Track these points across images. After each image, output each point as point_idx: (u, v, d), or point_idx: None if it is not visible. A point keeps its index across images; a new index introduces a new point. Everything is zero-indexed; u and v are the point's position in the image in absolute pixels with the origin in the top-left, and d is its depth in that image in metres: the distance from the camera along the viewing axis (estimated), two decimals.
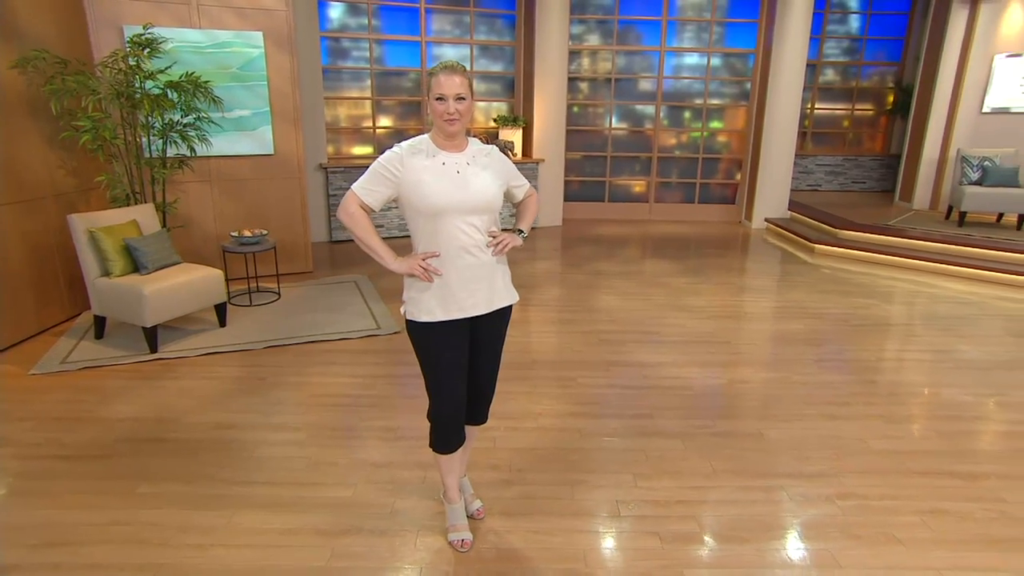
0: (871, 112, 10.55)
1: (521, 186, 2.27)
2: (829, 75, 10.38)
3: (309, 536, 2.34)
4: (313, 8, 7.00)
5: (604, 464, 2.85)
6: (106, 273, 4.09)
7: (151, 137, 4.65)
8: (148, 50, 4.48)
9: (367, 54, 7.74)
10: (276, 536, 2.33)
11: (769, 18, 8.16)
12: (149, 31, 4.49)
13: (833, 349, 4.30)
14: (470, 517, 2.41)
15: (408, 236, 2.13)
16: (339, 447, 2.96)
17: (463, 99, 1.98)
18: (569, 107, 8.59)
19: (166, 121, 4.65)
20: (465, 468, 2.46)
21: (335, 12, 7.53)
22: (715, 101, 8.89)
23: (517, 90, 8.47)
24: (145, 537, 2.31)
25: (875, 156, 10.61)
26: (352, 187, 2.06)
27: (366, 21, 7.62)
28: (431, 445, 2.25)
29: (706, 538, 2.36)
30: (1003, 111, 7.94)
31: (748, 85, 8.74)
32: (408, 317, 2.11)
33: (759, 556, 2.27)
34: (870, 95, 10.47)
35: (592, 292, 5.54)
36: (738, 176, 9.04)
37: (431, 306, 2.05)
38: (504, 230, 2.12)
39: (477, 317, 2.11)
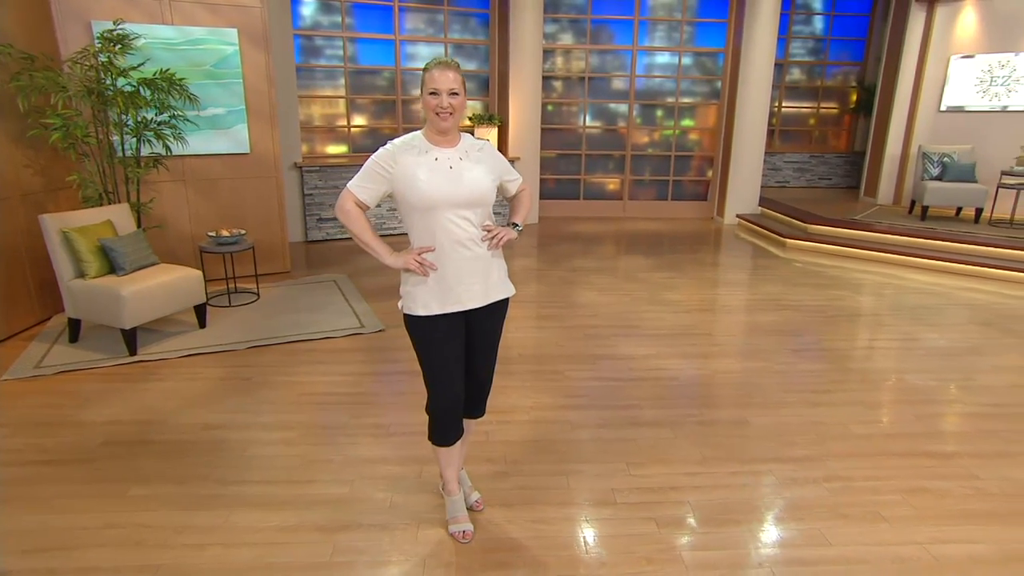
0: (835, 111, 10.85)
1: (514, 180, 2.31)
2: (795, 74, 10.63)
3: (309, 532, 2.33)
4: (286, 5, 6.92)
5: (596, 454, 2.89)
6: (81, 275, 3.97)
7: (124, 136, 4.55)
8: (120, 46, 4.38)
9: (341, 52, 7.66)
10: (275, 534, 2.32)
11: (738, 18, 8.33)
12: (120, 27, 4.39)
13: (809, 339, 4.43)
14: (469, 509, 2.43)
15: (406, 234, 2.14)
16: (331, 445, 2.95)
17: (456, 94, 2.01)
18: (544, 105, 8.64)
19: (140, 119, 4.55)
20: (463, 461, 2.47)
21: (308, 10, 7.44)
22: (686, 99, 9.04)
23: (492, 89, 8.48)
24: (141, 538, 2.27)
25: (840, 153, 10.91)
26: (347, 185, 2.07)
27: (339, 19, 7.55)
28: (430, 438, 2.26)
29: (701, 522, 2.42)
30: (958, 109, 8.25)
31: (719, 84, 8.91)
32: (405, 311, 2.13)
33: (753, 537, 2.34)
34: (834, 94, 10.76)
35: (572, 288, 5.59)
36: (710, 173, 9.21)
37: (427, 300, 2.07)
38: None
39: (474, 311, 2.13)
